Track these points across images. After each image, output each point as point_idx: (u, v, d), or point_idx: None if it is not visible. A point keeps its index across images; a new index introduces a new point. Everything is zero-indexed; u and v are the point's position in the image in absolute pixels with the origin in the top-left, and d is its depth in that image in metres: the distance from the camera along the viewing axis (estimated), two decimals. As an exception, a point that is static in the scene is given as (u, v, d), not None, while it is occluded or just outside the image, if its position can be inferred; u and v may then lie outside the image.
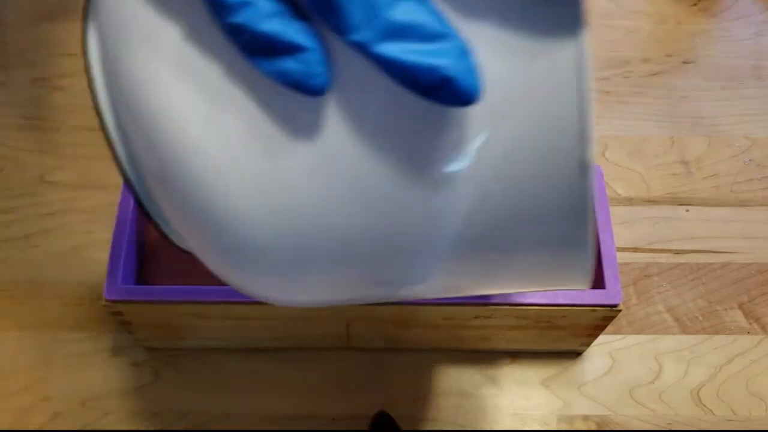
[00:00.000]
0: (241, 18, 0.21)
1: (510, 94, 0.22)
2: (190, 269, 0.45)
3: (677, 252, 0.52)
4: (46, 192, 0.53)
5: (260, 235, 0.24)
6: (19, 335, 0.48)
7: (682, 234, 0.52)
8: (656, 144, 0.56)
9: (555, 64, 0.22)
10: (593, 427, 0.46)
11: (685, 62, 0.60)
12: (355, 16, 0.20)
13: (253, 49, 0.22)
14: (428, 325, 0.43)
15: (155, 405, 0.46)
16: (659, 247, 0.52)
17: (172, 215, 0.27)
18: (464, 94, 0.21)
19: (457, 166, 0.23)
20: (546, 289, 0.29)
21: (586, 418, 0.46)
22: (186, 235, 0.27)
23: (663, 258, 0.51)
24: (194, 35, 0.23)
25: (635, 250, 0.52)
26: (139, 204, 0.28)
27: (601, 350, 0.48)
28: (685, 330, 0.49)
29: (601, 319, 0.41)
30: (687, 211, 0.53)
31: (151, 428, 0.45)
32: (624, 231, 0.52)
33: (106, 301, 0.40)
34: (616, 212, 0.53)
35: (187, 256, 0.30)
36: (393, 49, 0.20)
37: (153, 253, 0.46)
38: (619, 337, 0.49)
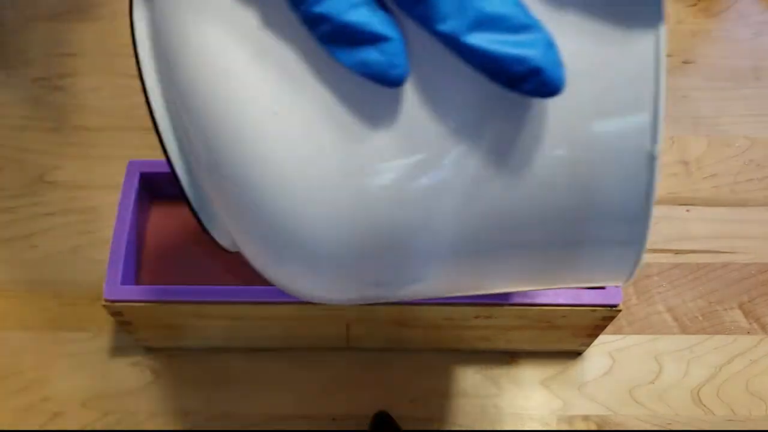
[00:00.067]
0: (324, 8, 0.21)
1: (586, 87, 0.22)
2: (190, 269, 0.45)
3: (677, 252, 0.52)
4: (46, 192, 0.53)
5: (334, 232, 0.24)
6: (19, 335, 0.48)
7: (682, 234, 0.52)
8: (656, 144, 0.56)
9: (633, 57, 0.22)
10: (593, 427, 0.46)
11: (685, 62, 0.60)
12: (444, 6, 0.20)
13: (334, 39, 0.21)
14: (428, 325, 0.43)
15: (155, 405, 0.46)
16: (659, 247, 0.52)
17: (226, 206, 0.25)
18: (551, 85, 0.21)
19: (532, 157, 0.23)
20: (581, 286, 0.28)
21: (585, 418, 0.46)
22: (239, 228, 0.26)
23: (663, 258, 0.51)
24: (271, 22, 0.23)
25: (635, 250, 0.52)
26: (184, 197, 0.26)
27: (601, 350, 0.48)
28: (685, 330, 0.49)
29: (601, 319, 0.41)
30: (687, 211, 0.53)
31: (151, 428, 0.45)
32: (624, 231, 0.52)
33: (106, 301, 0.40)
34: (616, 212, 0.53)
35: (221, 254, 0.28)
36: (482, 40, 0.20)
37: (153, 253, 0.46)
38: (619, 337, 0.49)
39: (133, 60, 0.25)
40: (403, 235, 0.24)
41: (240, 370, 0.47)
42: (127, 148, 0.54)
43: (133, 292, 0.40)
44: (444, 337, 0.45)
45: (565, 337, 0.44)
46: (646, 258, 0.51)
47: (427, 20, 0.21)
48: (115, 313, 0.41)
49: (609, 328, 0.43)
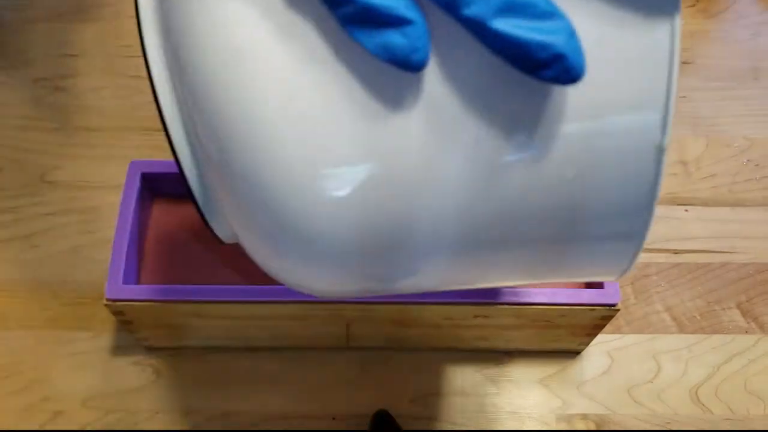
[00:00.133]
0: None
1: (602, 76, 0.22)
2: (191, 269, 0.45)
3: (676, 252, 0.52)
4: (46, 192, 0.53)
5: (344, 229, 0.23)
6: (19, 335, 0.48)
7: (681, 234, 0.53)
8: (655, 144, 0.56)
9: (648, 48, 0.22)
10: (592, 427, 0.46)
11: (683, 63, 0.60)
12: None
13: (356, 21, 0.21)
14: (428, 324, 0.43)
15: (156, 404, 0.46)
16: (658, 246, 0.52)
17: (233, 202, 0.25)
18: (573, 71, 0.21)
19: (548, 145, 0.23)
20: (575, 280, 0.28)
21: (584, 417, 0.46)
22: (244, 224, 0.26)
23: (662, 258, 0.52)
24: (290, 2, 0.22)
25: (634, 249, 0.52)
26: (188, 191, 0.26)
27: (600, 349, 0.48)
28: (683, 329, 0.49)
29: (600, 319, 0.41)
30: (686, 211, 0.54)
31: (152, 427, 0.45)
32: (623, 231, 0.52)
33: (108, 300, 0.40)
34: (615, 212, 0.53)
35: (220, 247, 0.28)
36: (507, 25, 0.20)
37: (154, 253, 0.46)
38: (617, 336, 0.49)
39: (134, 60, 0.25)
40: (409, 228, 0.24)
41: (241, 370, 0.47)
42: (128, 149, 0.54)
43: (134, 291, 0.40)
44: (443, 336, 0.45)
45: (563, 337, 0.45)
46: (645, 258, 0.51)
47: (452, 4, 0.21)
48: (117, 313, 0.41)
49: (607, 327, 0.44)
